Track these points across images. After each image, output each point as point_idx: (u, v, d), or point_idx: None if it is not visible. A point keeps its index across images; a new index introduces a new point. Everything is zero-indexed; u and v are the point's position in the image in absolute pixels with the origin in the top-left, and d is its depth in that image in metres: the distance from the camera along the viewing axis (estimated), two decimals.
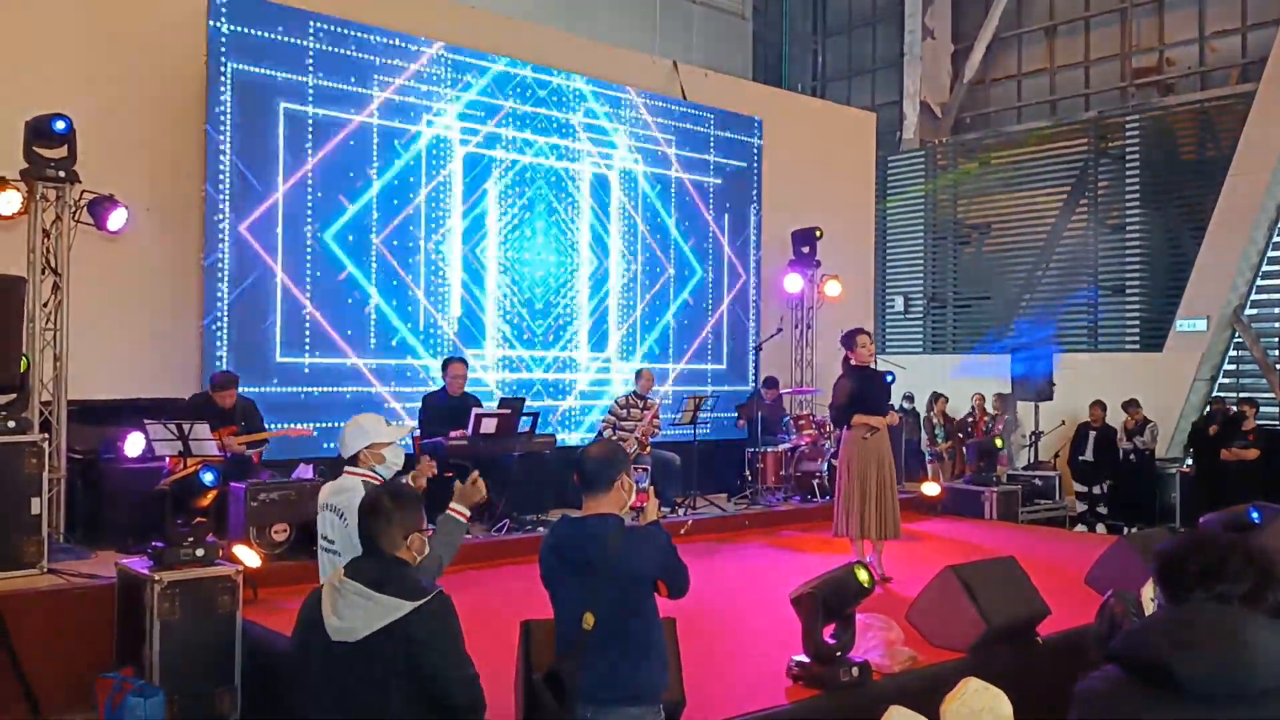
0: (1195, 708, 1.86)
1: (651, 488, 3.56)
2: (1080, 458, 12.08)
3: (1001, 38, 16.62)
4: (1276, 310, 13.42)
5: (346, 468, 3.87)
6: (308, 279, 8.38)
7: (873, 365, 7.09)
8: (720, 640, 5.30)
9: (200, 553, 5.14)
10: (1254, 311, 13.51)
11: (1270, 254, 13.33)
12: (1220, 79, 14.30)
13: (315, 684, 2.88)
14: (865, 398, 6.83)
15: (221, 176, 7.91)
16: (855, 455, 6.79)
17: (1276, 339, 12.65)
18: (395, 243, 8.90)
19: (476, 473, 3.76)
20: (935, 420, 13.23)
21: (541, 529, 7.77)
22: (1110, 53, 15.50)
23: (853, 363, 6.94)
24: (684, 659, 4.08)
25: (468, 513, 3.71)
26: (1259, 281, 13.44)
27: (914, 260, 17.32)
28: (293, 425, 7.94)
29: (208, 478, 6.17)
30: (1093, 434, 12.10)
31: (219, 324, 7.88)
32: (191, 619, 5.00)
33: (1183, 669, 1.87)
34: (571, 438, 9.74)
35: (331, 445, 7.95)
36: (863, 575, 4.41)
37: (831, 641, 4.47)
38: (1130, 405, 12.03)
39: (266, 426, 7.46)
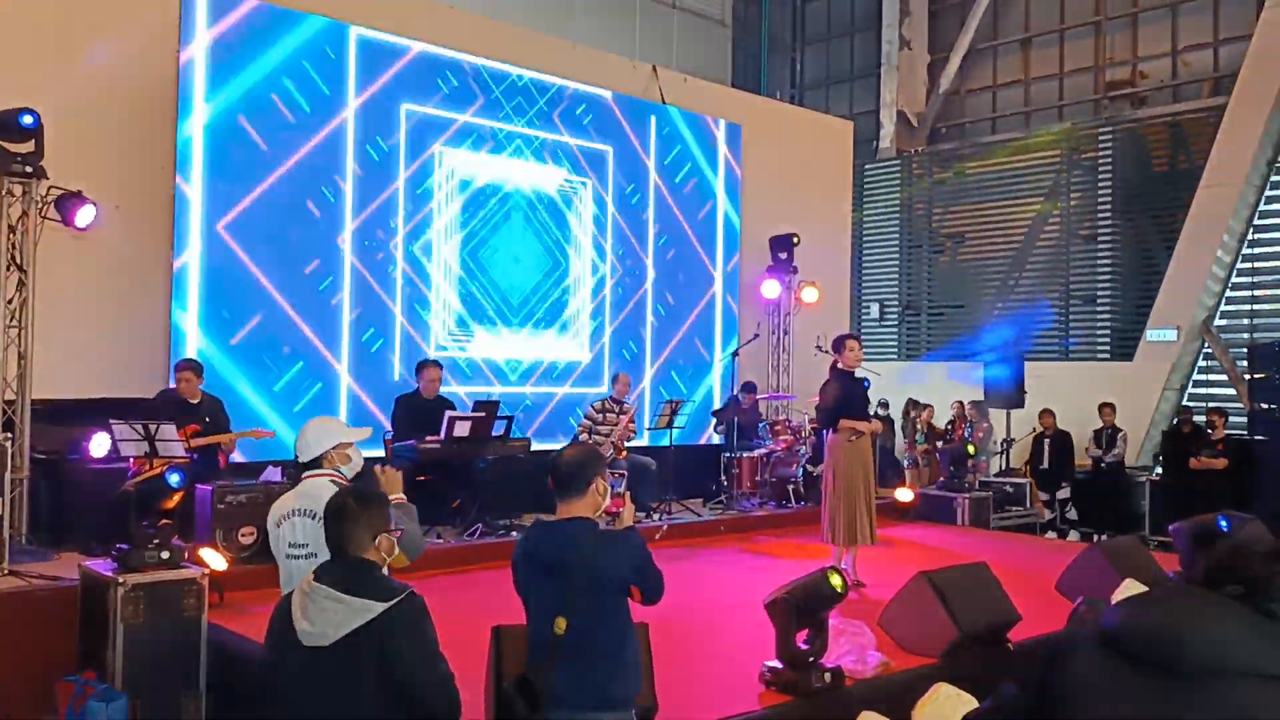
0: (1134, 676, 1.89)
1: (627, 492, 3.51)
2: (1040, 467, 12.16)
3: (977, 49, 16.75)
4: (1245, 321, 13.57)
5: (309, 472, 3.79)
6: (281, 279, 8.29)
7: (856, 372, 7.12)
8: (693, 645, 5.28)
9: (165, 555, 5.05)
10: (1223, 322, 13.66)
11: (1239, 266, 13.49)
12: (1192, 92, 14.47)
13: (289, 690, 2.83)
14: (851, 403, 6.87)
15: (193, 174, 7.82)
16: (842, 461, 6.83)
17: (1245, 349, 12.79)
18: (367, 243, 8.83)
19: (377, 467, 3.76)
20: (920, 427, 13.29)
21: (515, 534, 7.72)
22: (1084, 65, 15.65)
23: (840, 367, 6.98)
24: (657, 664, 4.05)
25: (403, 495, 3.72)
26: (1228, 293, 13.59)
27: (889, 268, 17.42)
28: (256, 428, 7.85)
29: (174, 479, 6.08)
30: (1047, 441, 12.19)
31: (187, 323, 7.79)
32: (156, 622, 4.91)
33: (1125, 634, 1.91)
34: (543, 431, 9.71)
35: None
36: (836, 581, 4.39)
37: (804, 647, 4.45)
38: (1105, 408, 12.10)
39: (231, 428, 7.36)
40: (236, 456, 7.55)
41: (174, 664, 4.94)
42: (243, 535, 6.45)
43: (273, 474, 7.03)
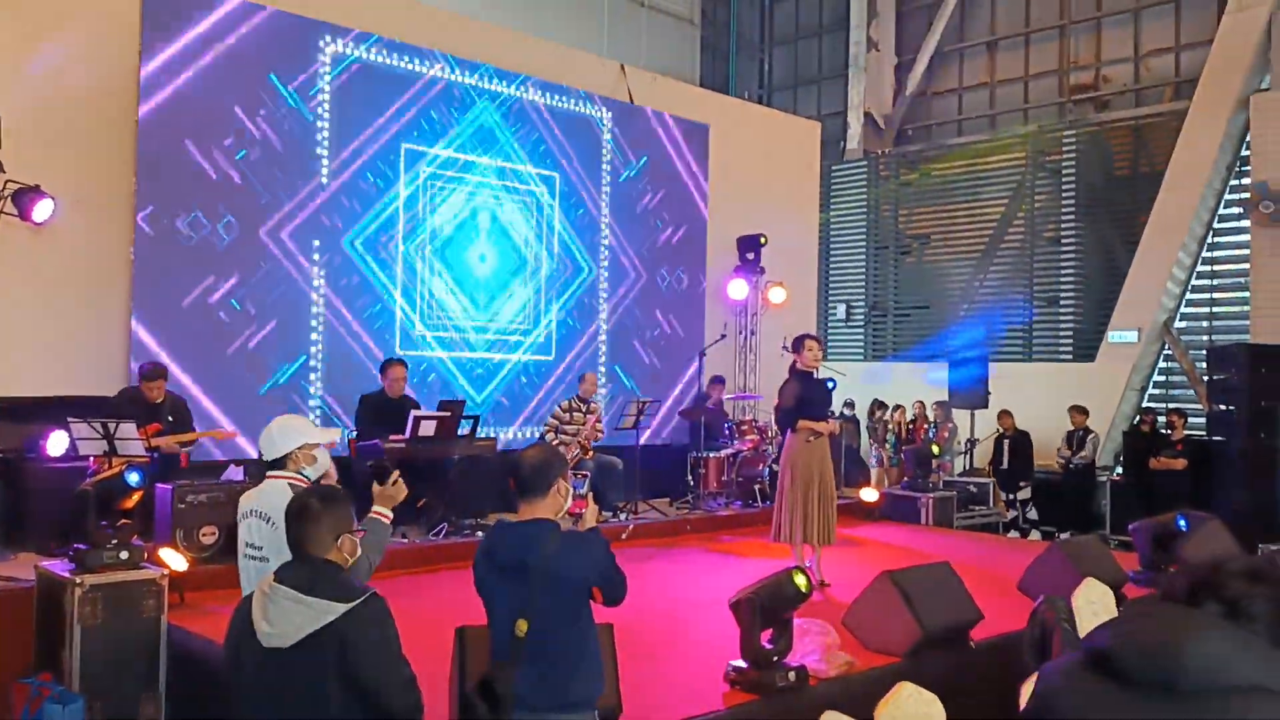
0: (1131, 696, 1.88)
1: (590, 493, 3.50)
2: (1000, 467, 12.28)
3: (944, 52, 16.89)
4: (1204, 324, 13.78)
5: (271, 471, 3.75)
6: (242, 277, 8.21)
7: (817, 372, 7.13)
8: (658, 645, 5.28)
9: (124, 555, 4.98)
10: (1183, 324, 13.87)
11: (1199, 269, 13.69)
12: (1154, 96, 14.67)
13: (248, 692, 2.81)
14: (809, 403, 6.87)
15: (154, 170, 7.72)
16: (799, 461, 6.82)
17: (1204, 351, 12.99)
18: (330, 241, 8.76)
19: (397, 472, 3.69)
20: (890, 427, 13.38)
21: (480, 533, 7.69)
22: (1049, 69, 15.83)
23: (799, 367, 6.98)
24: (621, 664, 4.05)
25: (390, 514, 3.64)
26: (1188, 295, 13.80)
27: (856, 268, 17.52)
28: (218, 428, 7.77)
29: (133, 478, 6.00)
30: (1007, 443, 12.33)
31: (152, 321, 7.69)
32: (114, 623, 4.84)
33: (1118, 655, 1.91)
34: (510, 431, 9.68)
35: None
36: (800, 581, 4.41)
37: (769, 646, 4.46)
38: (1076, 411, 12.23)
39: (195, 427, 7.28)
40: (219, 451, 7.48)
41: (132, 665, 4.88)
42: (203, 535, 6.39)
43: (234, 473, 6.96)
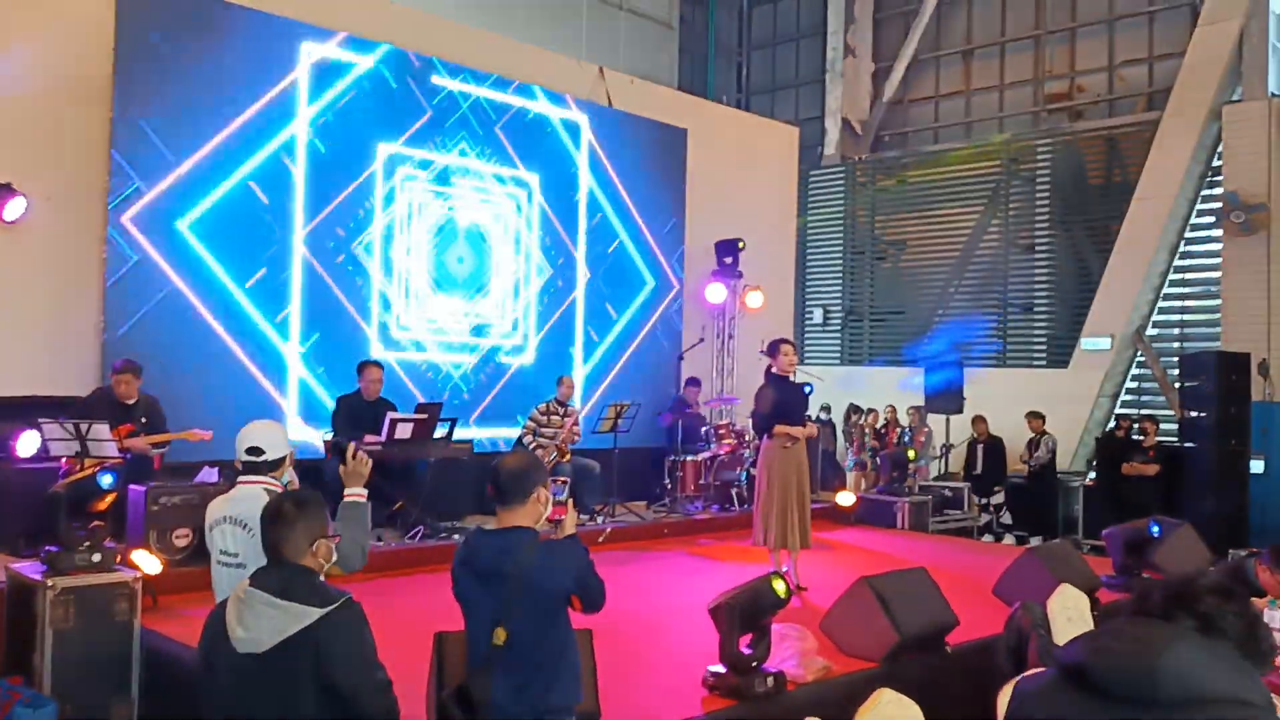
0: (1109, 709, 1.90)
1: (570, 500, 3.49)
2: (973, 472, 12.37)
3: (920, 59, 16.99)
4: (1176, 331, 13.93)
5: (247, 476, 3.69)
6: (217, 275, 8.14)
7: (793, 376, 7.14)
8: (636, 650, 5.27)
9: (97, 558, 4.92)
10: (1155, 332, 14.01)
11: (1171, 277, 13.84)
12: (1127, 106, 14.82)
13: (222, 698, 2.79)
14: (786, 408, 6.88)
15: (129, 168, 7.64)
16: (776, 465, 6.84)
17: (1176, 358, 13.13)
18: (314, 243, 8.71)
19: (353, 446, 3.68)
20: (866, 431, 13.43)
21: (457, 536, 7.66)
22: (1024, 77, 15.95)
23: (774, 371, 6.99)
24: (599, 669, 4.04)
25: (363, 492, 3.62)
26: (1160, 303, 13.94)
27: (833, 273, 17.59)
28: (193, 429, 7.68)
29: (106, 480, 5.93)
30: (980, 448, 12.42)
31: (123, 320, 7.60)
32: (86, 627, 4.78)
33: (1096, 669, 1.93)
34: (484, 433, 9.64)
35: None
36: (779, 586, 4.42)
37: (748, 652, 4.47)
38: (1033, 417, 12.34)
39: (168, 428, 7.19)
40: (212, 449, 7.36)
41: (104, 669, 4.82)
42: (177, 537, 6.32)
43: (209, 475, 6.89)
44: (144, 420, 6.91)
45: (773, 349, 7.06)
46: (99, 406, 6.67)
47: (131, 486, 6.37)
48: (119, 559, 5.18)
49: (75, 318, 7.58)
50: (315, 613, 2.70)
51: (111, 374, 6.97)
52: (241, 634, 2.72)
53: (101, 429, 6.13)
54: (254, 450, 3.68)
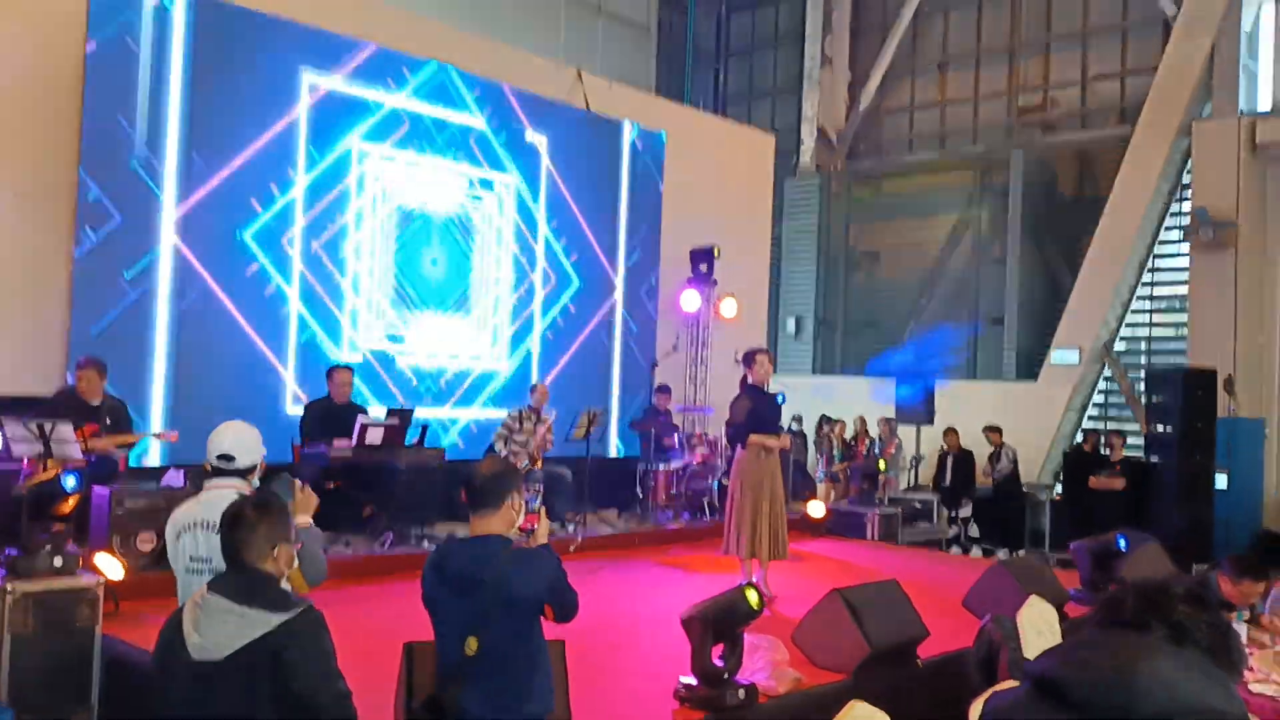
0: None
1: (543, 509, 3.46)
2: (943, 484, 12.42)
3: (896, 70, 17.09)
4: (1143, 345, 14.08)
5: (218, 480, 3.63)
6: (197, 275, 8.04)
7: (767, 386, 7.14)
8: (608, 661, 5.24)
9: (59, 562, 4.82)
10: (1122, 346, 14.15)
11: (1139, 291, 13.98)
12: (1100, 121, 14.98)
13: (177, 708, 2.71)
14: (760, 418, 6.88)
15: (100, 165, 7.52)
16: (749, 475, 6.83)
17: (1142, 372, 13.26)
18: (278, 241, 8.62)
19: (297, 481, 3.62)
20: (834, 442, 13.46)
21: (427, 543, 7.59)
22: (998, 90, 16.08)
23: (750, 381, 6.99)
24: (571, 679, 4.00)
25: (310, 520, 3.56)
26: (1128, 318, 14.09)
27: (806, 283, 17.63)
28: (162, 430, 7.59)
29: (70, 482, 5.82)
30: (950, 460, 12.48)
31: (93, 320, 7.49)
32: (46, 634, 4.67)
33: (1070, 684, 1.92)
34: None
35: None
36: (752, 597, 4.40)
37: (720, 663, 4.45)
38: (991, 431, 12.42)
39: (134, 430, 7.09)
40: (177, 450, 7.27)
41: (64, 677, 4.71)
42: (142, 541, 6.22)
43: (174, 478, 6.79)
44: (109, 421, 6.80)
45: (748, 359, 7.05)
46: (63, 407, 6.55)
47: (95, 489, 6.26)
48: (81, 563, 5.08)
49: (41, 316, 7.45)
50: (275, 619, 2.64)
51: (76, 370, 6.86)
52: (198, 640, 2.66)
53: (66, 430, 6.02)
54: (225, 457, 3.62)
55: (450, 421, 9.74)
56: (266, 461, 3.81)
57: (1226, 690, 1.91)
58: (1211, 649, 1.98)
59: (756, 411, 6.87)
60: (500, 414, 9.37)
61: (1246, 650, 4.28)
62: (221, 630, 2.64)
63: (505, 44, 11.26)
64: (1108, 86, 14.97)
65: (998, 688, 2.69)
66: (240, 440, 3.66)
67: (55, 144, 7.47)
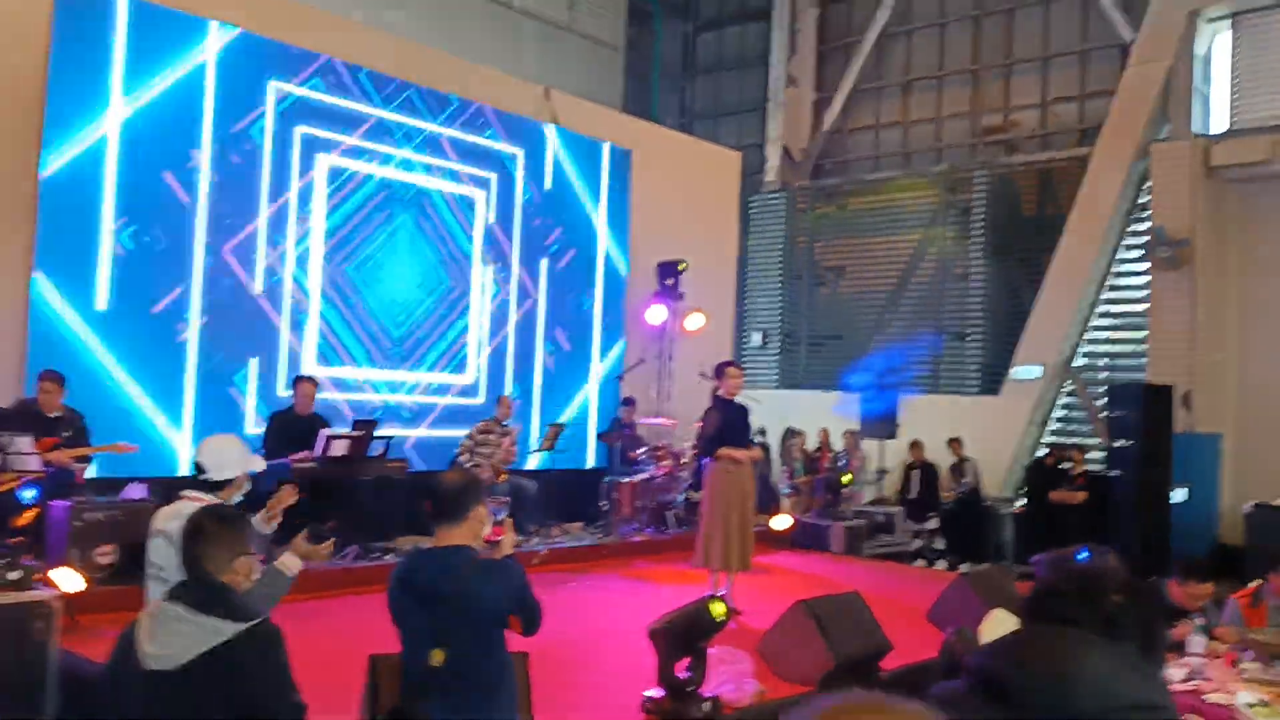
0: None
1: (509, 520, 3.47)
2: (908, 497, 12.51)
3: (861, 90, 17.26)
4: (1103, 362, 14.27)
5: (191, 491, 3.60)
6: (157, 290, 7.96)
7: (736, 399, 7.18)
8: (573, 674, 5.23)
9: (15, 576, 4.76)
10: (1083, 362, 14.33)
11: (1099, 308, 14.19)
12: (1060, 142, 15.21)
13: (131, 717, 2.67)
14: (730, 430, 6.92)
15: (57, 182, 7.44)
16: (720, 487, 6.85)
17: (1103, 388, 13.43)
18: (251, 257, 8.56)
19: (332, 541, 3.62)
20: (796, 455, 13.51)
21: (390, 556, 7.54)
22: (961, 110, 16.29)
23: (721, 394, 7.02)
24: (536, 693, 3.98)
25: (299, 567, 3.53)
26: (1088, 334, 14.27)
27: (772, 298, 17.73)
28: (118, 442, 7.48)
29: (28, 495, 5.73)
30: (915, 472, 12.58)
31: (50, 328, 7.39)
32: (1, 647, 4.60)
33: (1009, 682, 1.96)
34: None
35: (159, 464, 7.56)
36: (717, 609, 4.42)
37: (685, 676, 4.45)
38: (953, 442, 12.54)
39: (91, 443, 6.99)
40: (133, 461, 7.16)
41: (18, 692, 4.63)
42: (100, 554, 6.13)
43: (134, 490, 6.71)
44: (67, 434, 6.70)
45: (719, 371, 7.11)
46: (21, 418, 6.45)
47: (53, 502, 6.17)
48: (38, 577, 5.01)
49: None
50: (231, 629, 2.61)
51: (36, 382, 6.76)
52: (152, 649, 2.62)
53: (23, 441, 5.93)
54: (198, 467, 3.61)
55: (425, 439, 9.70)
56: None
57: (1156, 683, 1.97)
58: (1141, 639, 2.05)
59: (725, 424, 6.91)
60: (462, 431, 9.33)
61: (1202, 660, 4.35)
62: (176, 639, 2.61)
63: (472, 62, 11.27)
64: (1067, 109, 15.21)
65: (939, 684, 2.72)
66: (214, 454, 3.65)
67: (12, 148, 7.37)
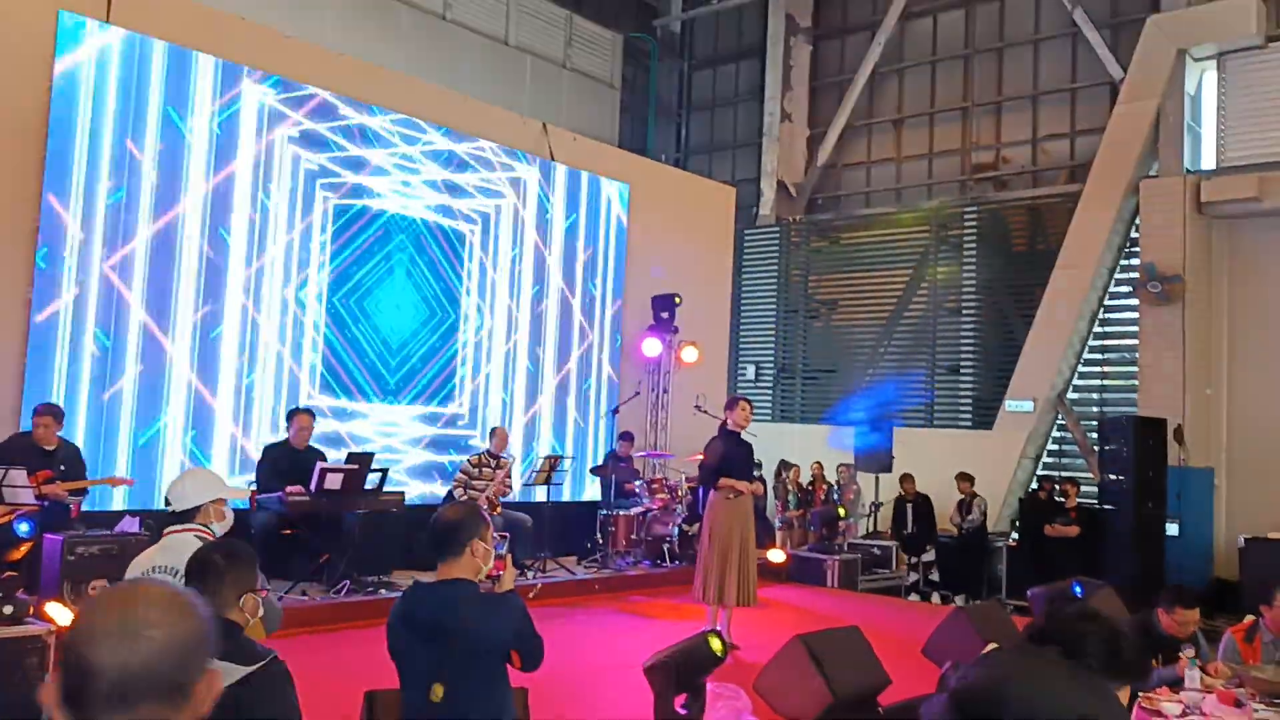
0: None
1: (509, 555, 3.46)
2: (903, 530, 12.49)
3: (854, 126, 17.43)
4: (1095, 395, 14.32)
5: (176, 525, 3.60)
6: (154, 322, 7.97)
7: (743, 432, 7.22)
8: (571, 709, 5.20)
9: (9, 610, 4.74)
10: (1075, 396, 14.38)
11: (1091, 343, 14.26)
12: (1050, 178, 15.35)
13: None
14: (732, 462, 6.96)
15: (61, 207, 7.47)
16: (720, 520, 6.86)
17: (1095, 422, 13.47)
18: (256, 292, 8.58)
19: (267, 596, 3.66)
20: (790, 488, 13.51)
21: (384, 591, 7.50)
22: (952, 147, 16.45)
23: (729, 426, 7.05)
24: None
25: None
26: (1080, 368, 14.33)
27: (766, 331, 17.79)
28: (114, 475, 7.47)
29: (22, 528, 5.72)
30: (909, 506, 12.57)
31: (46, 363, 7.39)
32: None
33: (958, 696, 2.04)
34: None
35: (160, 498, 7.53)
36: (715, 644, 4.39)
37: (683, 712, 4.42)
38: (962, 479, 12.54)
39: (87, 476, 6.97)
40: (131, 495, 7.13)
41: None
42: (93, 588, 6.08)
43: (129, 524, 6.67)
44: (63, 468, 6.69)
45: (731, 404, 7.17)
46: (17, 452, 6.44)
47: (47, 535, 6.14)
48: (31, 611, 4.98)
49: None
50: (239, 671, 2.58)
51: (33, 416, 6.75)
52: None
53: (19, 475, 5.92)
54: (167, 501, 3.64)
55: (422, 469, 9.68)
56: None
57: (1104, 699, 2.05)
58: (1102, 659, 2.12)
59: (727, 455, 6.95)
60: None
61: (1199, 695, 4.35)
62: None
63: (471, 98, 11.36)
64: (1058, 146, 15.37)
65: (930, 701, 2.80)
66: (177, 486, 3.68)
67: (15, 185, 7.40)
